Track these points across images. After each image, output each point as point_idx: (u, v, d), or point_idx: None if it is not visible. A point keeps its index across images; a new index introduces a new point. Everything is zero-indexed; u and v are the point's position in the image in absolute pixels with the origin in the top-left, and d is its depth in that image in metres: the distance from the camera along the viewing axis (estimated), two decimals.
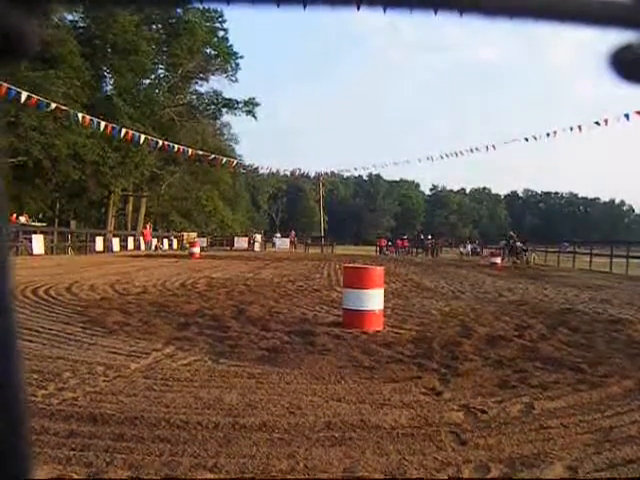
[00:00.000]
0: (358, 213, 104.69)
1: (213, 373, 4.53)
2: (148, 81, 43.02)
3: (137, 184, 42.71)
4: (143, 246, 35.63)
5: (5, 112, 25.19)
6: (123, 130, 24.00)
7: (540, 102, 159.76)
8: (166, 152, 33.95)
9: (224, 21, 44.02)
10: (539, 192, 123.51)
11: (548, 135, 24.13)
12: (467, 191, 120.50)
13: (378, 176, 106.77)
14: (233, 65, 45.56)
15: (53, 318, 6.99)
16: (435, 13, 0.40)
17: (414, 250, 45.23)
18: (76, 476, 2.59)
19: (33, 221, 30.21)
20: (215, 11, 42.55)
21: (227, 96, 46.79)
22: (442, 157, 32.31)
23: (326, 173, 54.54)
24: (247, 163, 44.36)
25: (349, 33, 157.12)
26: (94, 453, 2.83)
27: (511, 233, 28.08)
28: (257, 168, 42.51)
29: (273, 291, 10.92)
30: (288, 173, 45.44)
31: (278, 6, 0.39)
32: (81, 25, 38.43)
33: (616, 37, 0.39)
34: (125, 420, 3.32)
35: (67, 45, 32.84)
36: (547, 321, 7.75)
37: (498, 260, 25.15)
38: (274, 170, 45.32)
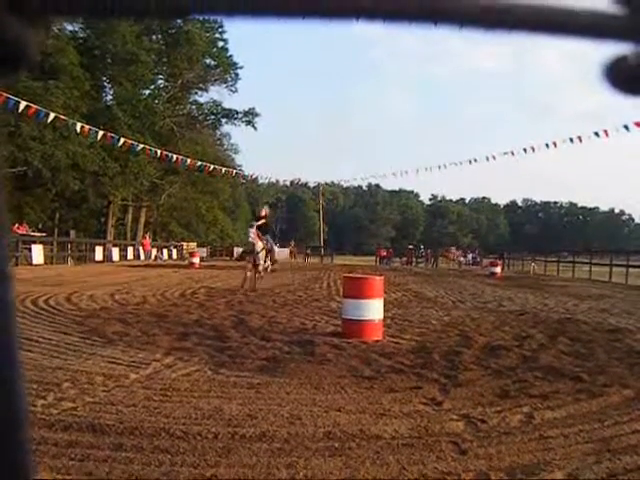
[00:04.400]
0: (358, 223, 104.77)
1: (213, 383, 4.52)
2: (148, 91, 43.24)
3: (137, 194, 42.77)
4: (143, 256, 35.58)
5: (5, 122, 25.25)
6: (122, 140, 24.02)
7: (539, 113, 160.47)
8: (166, 162, 34.02)
9: (224, 32, 44.51)
10: (538, 201, 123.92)
11: (547, 146, 24.11)
12: (466, 201, 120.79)
13: (378, 186, 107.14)
14: (233, 75, 45.89)
15: (52, 328, 6.97)
16: (435, 25, 0.40)
17: (413, 260, 45.13)
18: None
19: (33, 231, 30.17)
20: (215, 22, 42.79)
21: (227, 106, 47.17)
22: (440, 167, 32.25)
23: (326, 183, 54.64)
24: (247, 173, 44.49)
25: (348, 44, 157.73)
26: (93, 463, 2.83)
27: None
28: (257, 178, 42.56)
29: (273, 301, 10.90)
30: (288, 183, 45.50)
31: (278, 18, 0.40)
32: (81, 35, 38.67)
33: (611, 49, 0.40)
34: (124, 430, 3.31)
35: (67, 55, 33.00)
36: (547, 331, 7.73)
37: (498, 270, 25.17)
38: (274, 180, 45.48)
